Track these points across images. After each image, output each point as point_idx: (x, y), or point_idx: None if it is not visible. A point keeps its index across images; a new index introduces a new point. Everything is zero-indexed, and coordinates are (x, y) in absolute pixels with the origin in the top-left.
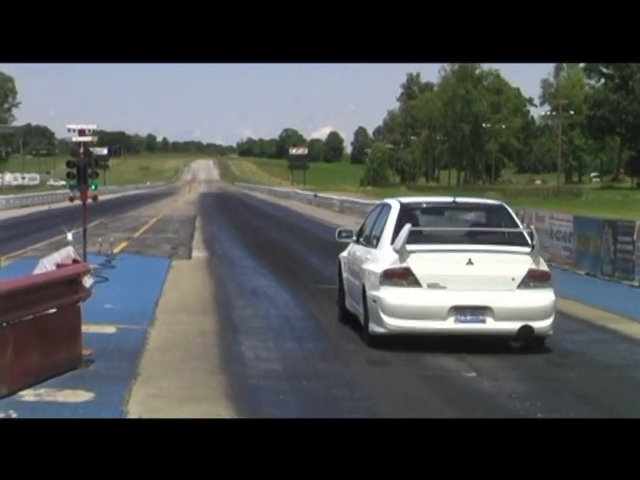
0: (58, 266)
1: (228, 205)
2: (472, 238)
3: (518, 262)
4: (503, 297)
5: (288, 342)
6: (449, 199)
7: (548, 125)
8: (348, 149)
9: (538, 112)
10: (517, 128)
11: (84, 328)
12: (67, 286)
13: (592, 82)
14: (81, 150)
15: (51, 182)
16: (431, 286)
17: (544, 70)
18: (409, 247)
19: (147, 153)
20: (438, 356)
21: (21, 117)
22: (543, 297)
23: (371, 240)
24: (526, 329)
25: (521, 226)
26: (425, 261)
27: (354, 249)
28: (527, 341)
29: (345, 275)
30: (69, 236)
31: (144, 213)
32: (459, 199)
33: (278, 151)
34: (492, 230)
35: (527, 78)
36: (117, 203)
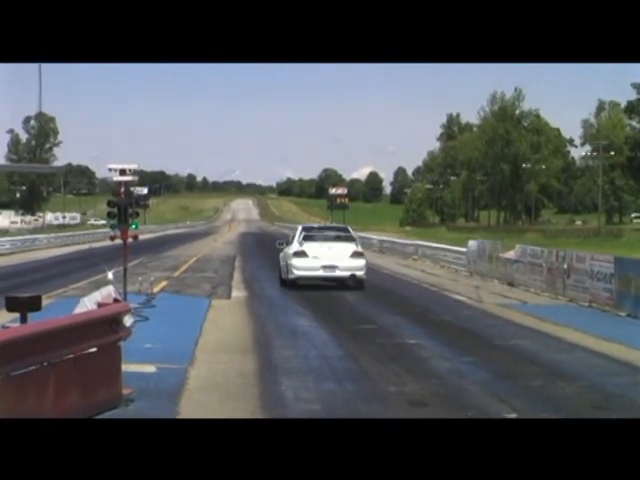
0: (99, 305)
1: (267, 244)
2: (333, 238)
3: (349, 247)
4: (343, 261)
5: (328, 383)
6: (324, 225)
7: (589, 165)
8: (387, 189)
9: (578, 152)
10: (557, 168)
11: (124, 367)
12: (108, 325)
13: (633, 123)
14: (122, 189)
15: (92, 221)
16: (313, 257)
17: (585, 110)
18: (304, 242)
19: (187, 193)
20: (477, 397)
21: (62, 157)
22: (360, 262)
23: (290, 242)
24: (353, 275)
25: (352, 233)
26: (310, 247)
27: (284, 248)
28: (354, 281)
29: (281, 262)
30: (110, 275)
31: (184, 252)
32: (329, 224)
33: (317, 191)
34: (341, 235)
35: (568, 118)
36: (157, 242)
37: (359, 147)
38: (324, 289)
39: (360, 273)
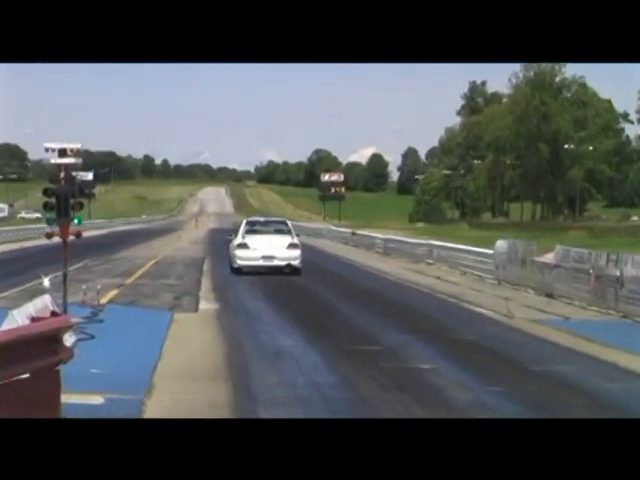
0: (32, 320)
1: None
2: (272, 232)
3: (286, 240)
4: (280, 252)
5: (321, 416)
6: (264, 218)
7: None
8: (394, 176)
9: (635, 130)
10: (608, 150)
11: (64, 398)
12: (44, 345)
13: None
14: (62, 175)
15: (23, 214)
16: (254, 249)
17: None
18: (246, 235)
19: (143, 179)
20: None
21: None
22: (295, 252)
23: (236, 234)
24: (289, 265)
25: (291, 227)
26: (252, 239)
27: (232, 239)
28: (290, 270)
29: (230, 253)
30: (46, 282)
31: (140, 254)
32: (269, 219)
33: (307, 178)
34: (279, 228)
35: (621, 88)
36: (106, 241)
37: (359, 123)
38: (314, 298)
39: (295, 262)
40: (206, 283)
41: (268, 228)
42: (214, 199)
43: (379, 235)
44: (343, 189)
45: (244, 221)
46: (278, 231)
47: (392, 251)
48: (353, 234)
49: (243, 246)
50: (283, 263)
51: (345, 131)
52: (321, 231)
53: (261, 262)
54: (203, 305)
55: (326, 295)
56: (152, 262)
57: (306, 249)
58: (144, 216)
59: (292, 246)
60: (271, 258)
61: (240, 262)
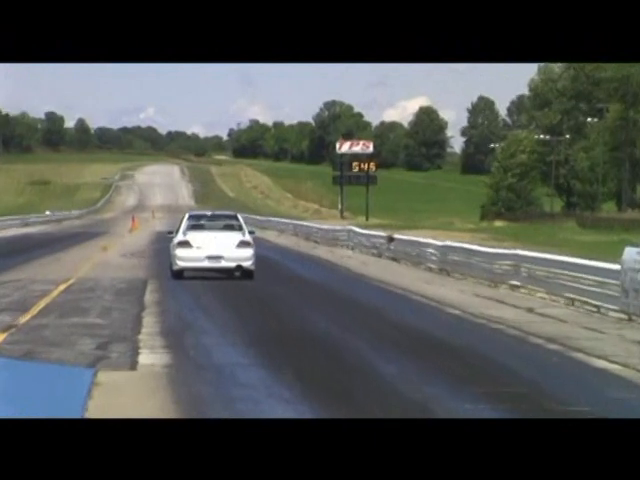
0: None
1: None
2: (220, 227)
3: (236, 237)
4: (229, 251)
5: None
6: (210, 212)
7: None
8: (456, 144)
9: None
10: None
11: None
12: None
13: None
14: None
15: None
16: (197, 247)
17: None
18: (188, 232)
19: (46, 152)
20: None
21: None
22: (247, 252)
23: (177, 231)
24: (239, 266)
25: (242, 223)
26: (195, 236)
27: (172, 237)
28: (240, 272)
29: (170, 253)
30: None
31: (41, 275)
32: (217, 212)
33: (313, 149)
34: (228, 223)
35: None
36: None
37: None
38: (332, 347)
39: (247, 264)
40: (150, 322)
41: (215, 223)
42: (162, 184)
43: (432, 241)
44: (373, 166)
45: (186, 215)
46: (227, 227)
47: (454, 267)
48: (390, 240)
49: (184, 244)
50: (232, 264)
51: (376, 70)
52: (336, 235)
53: (206, 263)
54: (145, 358)
55: (352, 342)
56: (61, 288)
57: (310, 264)
58: (48, 212)
59: (243, 244)
60: (218, 258)
61: (181, 263)
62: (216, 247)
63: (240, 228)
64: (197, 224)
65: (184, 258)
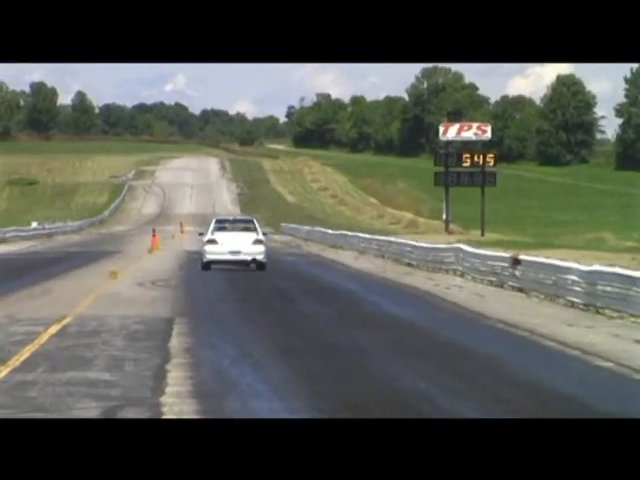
0: None
1: (267, 290)
2: (240, 228)
3: (252, 236)
4: (246, 247)
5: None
6: (232, 217)
7: None
8: (608, 128)
9: None
10: None
11: None
12: None
13: None
14: None
15: None
16: (222, 244)
17: None
18: (215, 232)
19: (31, 138)
20: None
21: None
22: (260, 248)
23: (206, 233)
24: (254, 259)
25: (257, 225)
26: (220, 236)
27: (202, 239)
28: (256, 264)
29: (201, 248)
30: None
31: (25, 311)
32: (237, 217)
33: (407, 134)
34: (246, 226)
35: None
36: None
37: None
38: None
39: (260, 257)
40: (177, 377)
41: (236, 225)
42: (195, 184)
43: (575, 265)
44: (491, 159)
45: (213, 220)
46: (245, 229)
47: (606, 301)
48: (515, 263)
49: (212, 242)
50: (249, 257)
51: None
52: (441, 256)
53: (228, 256)
54: None
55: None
56: (53, 330)
57: (412, 298)
58: (35, 223)
59: (257, 242)
60: (237, 253)
61: (209, 256)
62: (236, 244)
63: (255, 229)
64: (222, 226)
65: (211, 252)
